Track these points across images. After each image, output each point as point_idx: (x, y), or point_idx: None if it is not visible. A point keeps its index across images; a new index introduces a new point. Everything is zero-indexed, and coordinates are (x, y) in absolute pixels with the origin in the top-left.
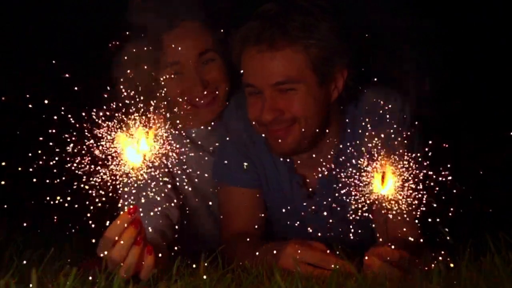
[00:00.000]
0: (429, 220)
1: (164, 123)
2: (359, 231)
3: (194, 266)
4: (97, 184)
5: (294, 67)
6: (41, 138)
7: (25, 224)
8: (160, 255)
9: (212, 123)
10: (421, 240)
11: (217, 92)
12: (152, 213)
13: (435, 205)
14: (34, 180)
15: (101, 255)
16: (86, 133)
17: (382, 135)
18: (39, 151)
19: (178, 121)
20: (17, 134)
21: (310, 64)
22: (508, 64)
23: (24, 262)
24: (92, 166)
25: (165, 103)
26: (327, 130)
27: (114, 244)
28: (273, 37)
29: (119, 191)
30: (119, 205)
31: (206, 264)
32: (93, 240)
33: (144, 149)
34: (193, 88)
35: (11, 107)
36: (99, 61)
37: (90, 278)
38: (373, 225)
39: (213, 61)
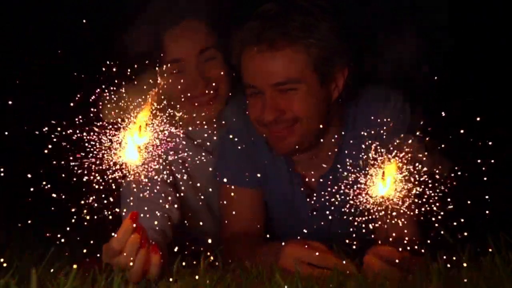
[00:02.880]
0: (429, 220)
1: (164, 121)
2: (359, 230)
3: (194, 266)
4: (96, 183)
5: (295, 67)
6: (39, 138)
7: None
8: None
9: (213, 123)
10: (421, 240)
11: (217, 90)
12: (152, 213)
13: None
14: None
15: (109, 263)
16: (86, 133)
17: (382, 135)
18: (39, 152)
19: (179, 120)
20: (17, 135)
21: (310, 64)
22: (508, 64)
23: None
24: (92, 165)
25: (165, 101)
26: (327, 130)
27: (120, 252)
28: (273, 37)
29: (120, 190)
30: (120, 205)
31: (206, 264)
32: (93, 241)
33: (140, 145)
34: (194, 85)
35: (11, 109)
36: (98, 60)
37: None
38: (373, 225)
39: (214, 59)
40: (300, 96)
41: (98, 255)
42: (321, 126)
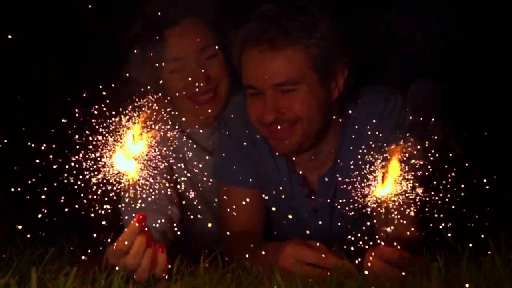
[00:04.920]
0: (429, 220)
1: (161, 122)
2: (359, 230)
3: (194, 266)
4: (97, 185)
5: (295, 67)
6: (39, 139)
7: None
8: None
9: (213, 122)
10: (421, 240)
11: (218, 89)
12: (153, 213)
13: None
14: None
15: (115, 264)
16: (86, 133)
17: (382, 135)
18: (39, 153)
19: (179, 119)
20: (17, 136)
21: (311, 63)
22: (508, 64)
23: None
24: (92, 167)
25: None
26: (328, 130)
27: (127, 253)
28: (274, 37)
29: (120, 191)
30: (121, 206)
31: (206, 264)
32: (93, 241)
33: (134, 153)
34: (195, 83)
35: (11, 110)
36: (99, 60)
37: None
38: (373, 225)
39: (215, 57)
40: (300, 97)
41: (99, 255)
42: (321, 126)
